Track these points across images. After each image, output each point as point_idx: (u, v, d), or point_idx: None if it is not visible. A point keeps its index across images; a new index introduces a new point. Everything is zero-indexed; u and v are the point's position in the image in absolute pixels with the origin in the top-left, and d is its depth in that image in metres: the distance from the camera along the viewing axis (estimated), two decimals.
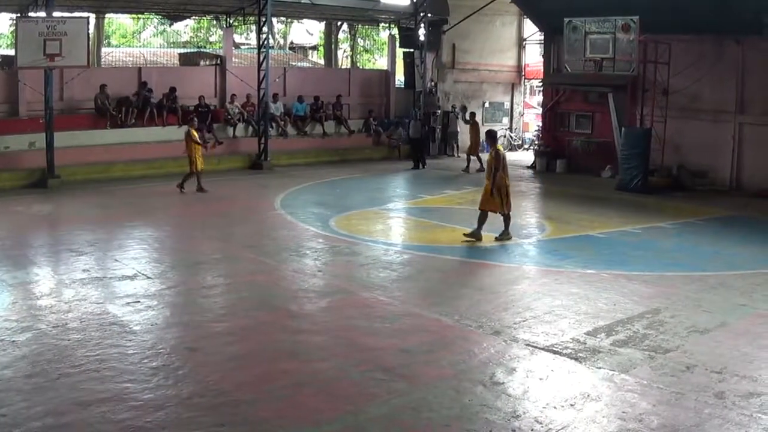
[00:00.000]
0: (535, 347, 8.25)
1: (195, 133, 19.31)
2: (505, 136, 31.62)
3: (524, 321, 9.22)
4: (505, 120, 32.75)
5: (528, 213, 17.70)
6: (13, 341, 8.24)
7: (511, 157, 28.55)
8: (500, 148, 13.89)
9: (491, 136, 14.27)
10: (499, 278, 11.54)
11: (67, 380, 7.19)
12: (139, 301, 9.89)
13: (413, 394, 7.01)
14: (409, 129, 27.11)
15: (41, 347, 8.08)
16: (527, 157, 28.37)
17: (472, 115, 25.63)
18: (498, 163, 13.40)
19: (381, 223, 16.12)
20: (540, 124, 29.21)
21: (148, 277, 11.16)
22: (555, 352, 8.10)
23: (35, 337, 8.43)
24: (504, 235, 13.71)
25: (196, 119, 20.33)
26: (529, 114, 34.31)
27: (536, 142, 28.79)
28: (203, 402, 6.76)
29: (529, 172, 25.22)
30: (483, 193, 13.79)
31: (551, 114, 26.59)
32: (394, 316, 9.58)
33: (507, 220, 13.76)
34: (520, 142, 32.67)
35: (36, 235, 14.83)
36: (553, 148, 26.02)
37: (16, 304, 9.79)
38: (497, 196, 13.47)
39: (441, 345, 8.38)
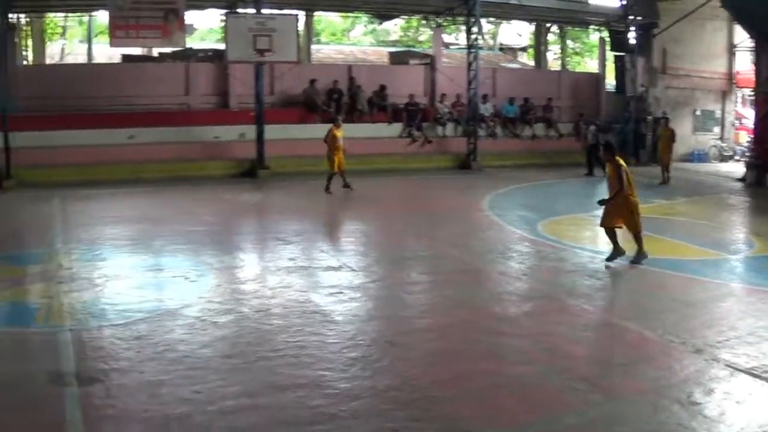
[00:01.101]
0: (736, 369, 7.49)
1: (338, 134, 18.92)
2: (715, 146, 29.94)
3: (727, 341, 8.40)
4: (716, 129, 30.76)
5: (736, 228, 16.47)
6: (215, 322, 8.49)
7: (720, 168, 26.93)
8: (620, 161, 11.85)
9: (608, 148, 12.17)
10: (704, 294, 10.63)
11: (265, 363, 7.28)
12: (342, 292, 9.92)
13: (609, 406, 6.63)
14: (588, 135, 25.62)
15: (242, 330, 8.26)
16: (738, 168, 26.32)
17: (666, 121, 24.01)
18: (620, 180, 11.54)
19: (588, 229, 15.39)
20: (750, 135, 27.02)
21: (353, 270, 11.21)
22: (755, 376, 7.32)
23: (236, 320, 8.64)
24: (640, 257, 11.88)
25: (340, 119, 19.89)
26: (741, 124, 31.91)
27: (747, 154, 26.66)
28: (399, 396, 6.62)
29: (739, 185, 23.27)
30: (611, 209, 11.84)
31: (763, 124, 24.39)
32: (597, 325, 9.20)
33: (639, 239, 11.93)
34: (731, 153, 30.49)
35: (244, 223, 15.48)
36: (765, 160, 23.86)
37: (220, 287, 10.14)
38: (626, 213, 11.69)
39: (641, 359, 7.83)
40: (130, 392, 6.57)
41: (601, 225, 11.64)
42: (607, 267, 11.44)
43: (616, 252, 11.60)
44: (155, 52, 27.78)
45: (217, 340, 7.91)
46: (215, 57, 25.08)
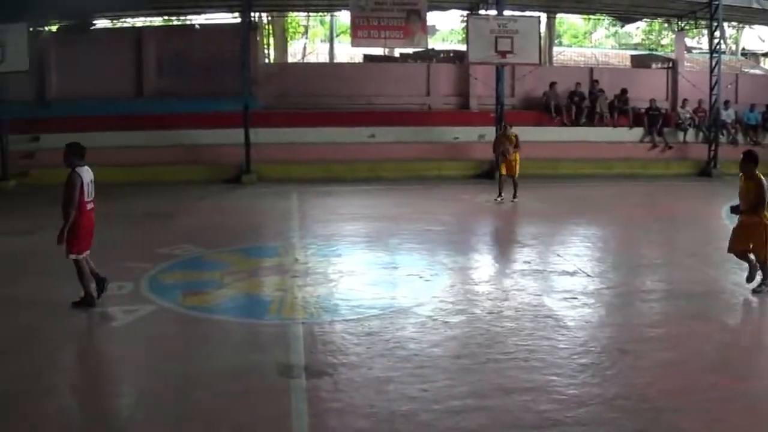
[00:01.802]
0: None
1: (509, 138, 17.82)
2: None
3: None
4: None
5: None
6: (446, 322, 8.49)
7: None
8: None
9: (749, 158, 10.07)
10: None
11: (494, 365, 7.19)
12: (576, 298, 9.65)
13: None
14: None
15: (473, 331, 8.19)
16: None
17: None
18: (760, 195, 9.76)
19: None
20: None
21: (588, 275, 10.87)
22: None
23: (468, 320, 8.59)
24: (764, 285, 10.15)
25: (508, 125, 18.42)
26: None
27: None
28: (626, 405, 6.39)
29: None
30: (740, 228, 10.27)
31: None
32: None
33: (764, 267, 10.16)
34: None
35: (480, 224, 15.47)
36: None
37: (453, 288, 10.14)
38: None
39: None
40: (357, 387, 6.69)
41: (730, 250, 10.19)
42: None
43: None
44: (396, 52, 28.48)
45: (447, 340, 7.90)
46: (456, 58, 25.37)
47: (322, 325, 8.47)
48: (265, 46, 28.31)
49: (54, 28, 25.52)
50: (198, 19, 27.05)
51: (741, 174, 10.01)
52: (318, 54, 37.84)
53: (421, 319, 8.55)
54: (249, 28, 21.81)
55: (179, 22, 28.26)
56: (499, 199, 17.32)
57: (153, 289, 10.02)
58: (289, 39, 34.74)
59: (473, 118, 23.32)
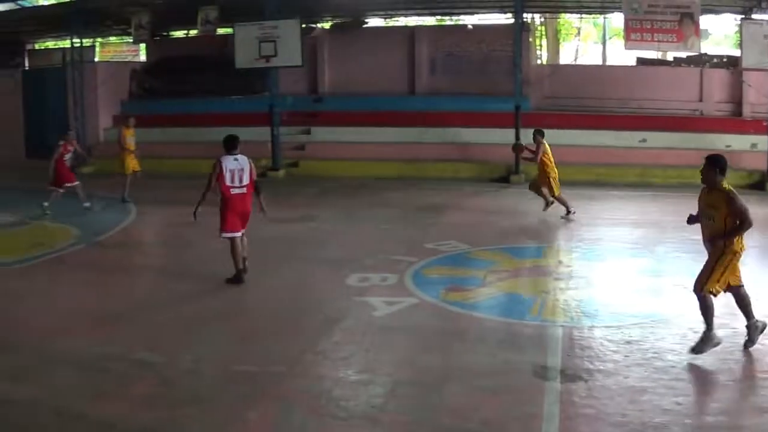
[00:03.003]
0: None
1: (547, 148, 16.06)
2: None
3: None
4: None
5: None
6: None
7: None
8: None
9: (713, 163, 8.05)
10: None
11: (750, 383, 7.11)
12: None
13: None
14: None
15: (733, 346, 7.91)
16: None
17: None
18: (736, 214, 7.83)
19: None
20: None
21: None
22: None
23: (730, 335, 8.17)
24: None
25: (539, 134, 16.36)
26: None
27: None
28: None
29: None
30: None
31: None
32: None
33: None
34: None
35: (756, 237, 14.69)
36: None
37: (717, 300, 9.66)
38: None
39: None
40: (610, 395, 6.78)
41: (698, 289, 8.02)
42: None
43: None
44: (669, 56, 27.67)
45: (706, 354, 7.67)
46: (729, 63, 24.26)
47: (581, 330, 8.63)
48: (538, 48, 28.49)
49: (327, 25, 27.25)
50: (470, 20, 27.79)
51: (704, 186, 8.23)
52: (591, 56, 37.46)
53: (682, 331, 8.44)
54: (521, 29, 22.10)
55: (452, 22, 29.16)
56: None
57: (416, 283, 10.64)
58: (561, 41, 34.67)
59: (746, 125, 22.17)
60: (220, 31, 25.85)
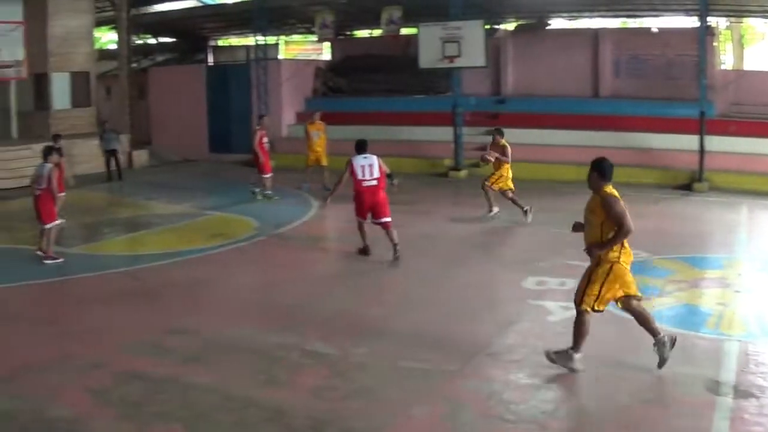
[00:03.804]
0: None
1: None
2: None
3: None
4: None
5: None
6: None
7: None
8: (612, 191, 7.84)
9: (595, 167, 8.08)
10: None
11: None
12: None
13: None
14: None
15: None
16: None
17: None
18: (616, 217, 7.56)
19: None
20: None
21: None
22: None
23: None
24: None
25: (499, 133, 16.16)
26: None
27: None
28: None
29: None
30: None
31: None
32: None
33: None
34: None
35: None
36: None
37: None
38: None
39: None
40: None
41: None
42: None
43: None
44: None
45: None
46: None
47: (757, 345, 8.41)
48: (722, 52, 27.44)
49: (510, 26, 27.24)
50: (654, 22, 27.12)
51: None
52: None
53: None
54: (706, 34, 21.42)
55: (636, 25, 28.55)
56: None
57: None
58: (745, 45, 33.18)
59: None
60: (404, 31, 26.30)
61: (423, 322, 9.41)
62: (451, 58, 21.55)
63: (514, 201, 15.87)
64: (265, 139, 18.79)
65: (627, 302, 7.71)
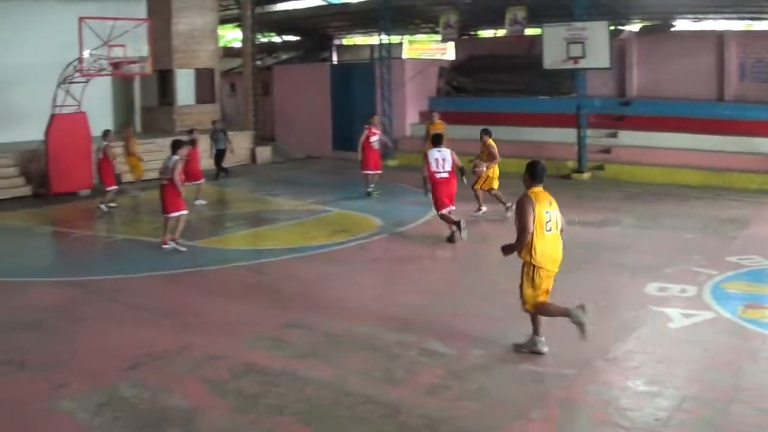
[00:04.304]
0: None
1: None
2: None
3: None
4: None
5: None
6: None
7: None
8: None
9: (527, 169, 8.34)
10: None
11: None
12: None
13: None
14: None
15: None
16: None
17: None
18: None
19: None
20: None
21: None
22: None
23: None
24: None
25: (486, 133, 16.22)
26: None
27: None
28: None
29: None
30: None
31: None
32: None
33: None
34: None
35: None
36: None
37: None
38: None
39: None
40: None
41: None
42: None
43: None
44: None
45: None
46: None
47: None
48: None
49: (635, 27, 26.63)
50: None
51: None
52: None
53: None
54: None
55: (762, 28, 27.50)
56: None
57: (715, 297, 10.34)
58: None
59: None
60: (528, 31, 26.12)
61: (542, 325, 9.31)
62: (575, 59, 21.27)
63: (497, 197, 16.15)
64: (374, 138, 19.01)
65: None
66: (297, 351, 8.53)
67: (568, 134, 22.90)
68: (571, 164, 22.62)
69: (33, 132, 21.63)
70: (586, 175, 22.31)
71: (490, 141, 16.11)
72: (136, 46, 20.08)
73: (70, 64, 19.61)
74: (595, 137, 23.05)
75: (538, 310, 8.15)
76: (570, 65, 21.58)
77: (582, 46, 21.08)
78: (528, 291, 8.07)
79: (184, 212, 13.95)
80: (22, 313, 10.22)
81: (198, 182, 18.32)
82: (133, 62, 20.40)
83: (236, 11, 31.42)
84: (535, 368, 7.83)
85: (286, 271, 11.62)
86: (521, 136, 24.36)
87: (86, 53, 19.00)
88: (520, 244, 7.89)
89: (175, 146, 13.88)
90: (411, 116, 28.07)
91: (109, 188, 18.08)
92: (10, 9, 24.25)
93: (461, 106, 26.55)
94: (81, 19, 18.81)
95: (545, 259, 7.93)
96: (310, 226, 15.82)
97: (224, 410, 7.04)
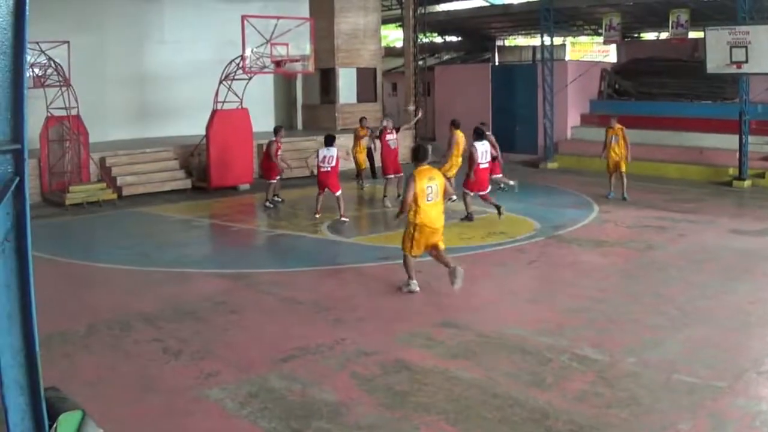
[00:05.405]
0: None
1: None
2: None
3: None
4: None
5: None
6: None
7: None
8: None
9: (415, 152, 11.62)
10: None
11: None
12: None
13: None
14: None
15: None
16: None
17: None
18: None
19: None
20: None
21: None
22: None
23: None
24: None
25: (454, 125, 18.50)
26: None
27: None
28: None
29: None
30: None
31: None
32: None
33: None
34: None
35: None
36: None
37: None
38: None
39: None
40: None
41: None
42: None
43: None
44: None
45: None
46: None
47: None
48: None
49: None
50: None
51: None
52: None
53: None
54: None
55: None
56: None
57: None
58: None
59: None
60: (691, 34, 25.46)
61: (698, 335, 9.04)
62: (738, 64, 20.39)
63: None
64: (389, 137, 19.07)
65: (432, 250, 10.84)
66: (448, 350, 8.52)
67: (728, 140, 22.18)
68: (732, 171, 21.84)
69: (193, 127, 22.56)
70: (746, 183, 21.47)
71: (457, 132, 17.92)
72: (299, 44, 20.47)
73: (232, 61, 20.22)
74: (757, 144, 22.13)
75: (405, 258, 10.78)
76: (733, 70, 20.77)
77: (745, 50, 20.20)
78: (407, 243, 10.69)
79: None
80: (181, 302, 10.64)
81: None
82: (295, 60, 20.81)
83: (398, 11, 31.74)
84: (688, 378, 7.57)
85: (441, 270, 11.59)
86: (683, 142, 23.81)
87: (249, 51, 19.51)
88: (403, 210, 10.62)
89: (331, 140, 16.14)
90: (573, 119, 27.67)
91: (270, 181, 18.51)
92: (178, 8, 25.40)
93: (623, 109, 25.82)
94: (244, 17, 19.37)
95: (425, 219, 10.43)
96: (467, 226, 15.73)
97: (372, 405, 7.08)
